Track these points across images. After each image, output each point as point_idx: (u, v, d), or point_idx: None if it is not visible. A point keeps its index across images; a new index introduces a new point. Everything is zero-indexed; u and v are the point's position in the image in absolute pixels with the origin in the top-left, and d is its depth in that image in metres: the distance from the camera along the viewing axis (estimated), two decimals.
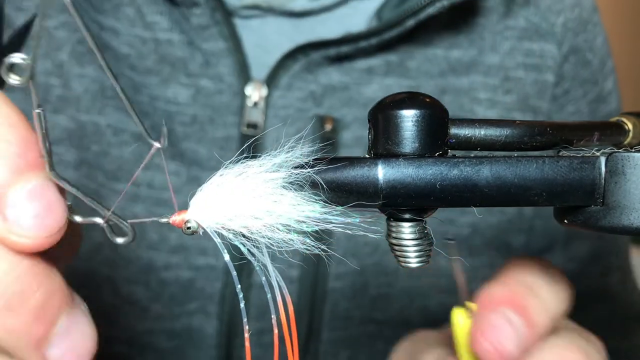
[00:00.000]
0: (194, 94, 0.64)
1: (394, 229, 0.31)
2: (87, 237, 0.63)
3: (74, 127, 0.64)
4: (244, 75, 0.64)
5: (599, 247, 0.76)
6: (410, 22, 0.61)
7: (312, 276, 0.64)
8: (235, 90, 0.64)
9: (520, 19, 0.70)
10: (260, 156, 0.30)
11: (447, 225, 0.68)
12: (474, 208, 0.30)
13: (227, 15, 0.63)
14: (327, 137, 0.64)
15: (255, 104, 0.63)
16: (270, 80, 0.64)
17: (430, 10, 0.60)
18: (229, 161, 0.30)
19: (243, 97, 0.63)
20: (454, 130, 0.31)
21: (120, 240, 0.30)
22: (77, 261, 0.62)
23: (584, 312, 0.70)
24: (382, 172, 0.29)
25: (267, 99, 0.64)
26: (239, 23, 0.66)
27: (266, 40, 0.66)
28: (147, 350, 0.66)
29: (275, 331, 0.30)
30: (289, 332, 0.30)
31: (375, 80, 0.66)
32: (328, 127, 0.64)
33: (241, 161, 0.30)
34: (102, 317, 0.65)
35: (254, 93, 0.63)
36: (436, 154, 0.30)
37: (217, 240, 0.30)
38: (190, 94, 0.64)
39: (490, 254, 0.70)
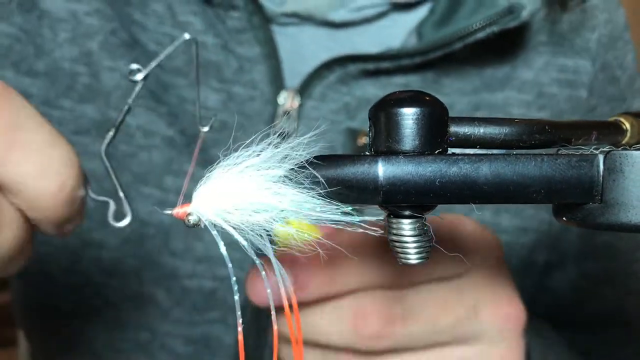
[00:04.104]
0: (224, 100, 0.63)
1: (394, 226, 0.31)
2: (115, 231, 0.63)
3: (102, 119, 0.63)
4: (278, 83, 0.62)
5: (614, 268, 0.75)
6: (458, 45, 0.61)
7: None
8: (267, 98, 0.62)
9: (554, 35, 0.69)
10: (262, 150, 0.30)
11: None
12: (474, 206, 0.30)
13: (265, 20, 0.62)
14: (359, 152, 0.63)
15: (287, 113, 0.62)
16: (304, 90, 0.63)
17: (480, 35, 0.60)
18: (229, 157, 0.30)
19: (275, 105, 0.62)
20: (453, 129, 0.31)
21: (118, 223, 0.33)
22: (105, 251, 0.65)
23: (597, 336, 0.71)
24: (382, 169, 0.29)
25: (300, 108, 0.62)
26: (275, 29, 0.64)
27: (302, 48, 0.65)
28: (162, 351, 0.66)
29: (275, 327, 0.30)
30: (294, 330, 0.30)
31: None
32: (361, 142, 0.63)
33: (242, 156, 0.30)
34: (130, 303, 0.65)
35: (287, 102, 0.62)
36: (436, 152, 0.30)
37: (214, 232, 0.30)
38: (221, 99, 0.63)
39: (520, 274, 0.69)
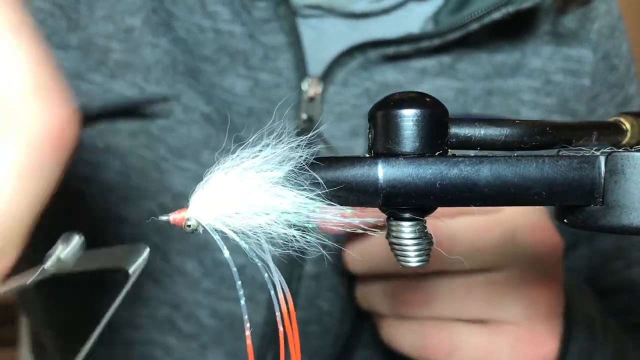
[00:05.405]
0: (251, 87, 0.64)
1: (393, 229, 0.31)
2: (138, 206, 0.66)
3: (133, 94, 0.65)
4: (301, 70, 0.64)
5: (622, 240, 0.78)
6: (474, 26, 0.62)
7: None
8: (292, 85, 0.64)
9: (559, 25, 0.71)
10: (262, 149, 0.30)
11: None
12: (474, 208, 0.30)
13: (290, 11, 0.64)
14: None
15: (312, 99, 0.64)
16: (327, 76, 0.64)
17: (495, 15, 0.61)
18: (228, 158, 0.30)
19: (299, 91, 0.64)
20: (454, 130, 0.31)
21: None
22: (127, 226, 0.66)
23: (610, 302, 0.73)
24: (382, 172, 0.29)
25: (323, 94, 0.64)
26: (298, 21, 0.66)
27: (323, 38, 0.67)
28: (190, 319, 0.67)
29: (281, 329, 0.30)
30: (290, 329, 0.30)
31: (427, 81, 0.67)
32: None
33: (241, 158, 0.30)
34: (150, 279, 0.67)
35: (311, 88, 0.64)
36: (436, 154, 0.30)
37: (217, 237, 0.30)
38: (248, 86, 0.64)
39: None
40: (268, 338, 0.66)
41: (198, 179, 0.60)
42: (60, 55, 0.65)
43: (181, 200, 0.68)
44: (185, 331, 0.68)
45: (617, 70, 0.76)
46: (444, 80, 0.67)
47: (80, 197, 0.67)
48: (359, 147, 0.65)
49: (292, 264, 0.65)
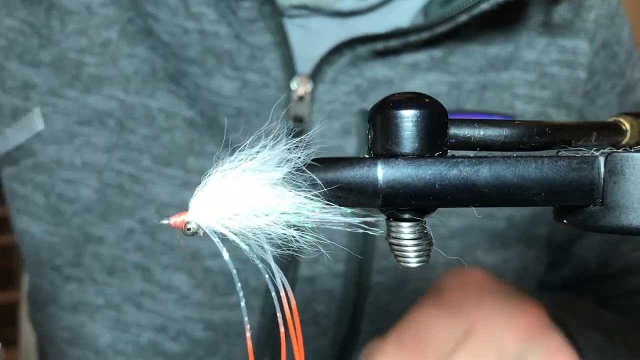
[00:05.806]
0: (239, 87, 0.64)
1: (393, 229, 0.31)
2: (115, 223, 0.65)
3: (109, 108, 0.64)
4: (290, 69, 0.64)
5: None
6: (463, 18, 0.61)
7: (357, 271, 0.65)
8: (281, 85, 0.64)
9: (553, 15, 0.70)
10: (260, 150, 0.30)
11: (487, 219, 0.69)
12: (473, 209, 0.30)
13: (276, 10, 0.63)
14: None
15: (301, 98, 0.63)
16: (316, 75, 0.64)
17: (484, 6, 0.60)
18: (227, 160, 0.30)
19: (288, 91, 0.64)
20: (453, 131, 0.31)
21: None
22: (105, 247, 0.65)
23: (619, 284, 0.77)
24: (381, 172, 0.29)
25: (313, 93, 0.64)
26: (285, 20, 0.66)
27: (312, 36, 0.67)
28: (180, 338, 0.66)
29: (282, 329, 0.30)
30: (294, 330, 0.30)
31: (419, 76, 0.66)
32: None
33: (239, 160, 0.30)
34: (130, 304, 0.66)
35: (300, 87, 0.63)
36: (435, 154, 0.30)
37: (216, 240, 0.30)
38: (236, 87, 0.64)
39: (520, 247, 0.72)
40: (262, 342, 0.66)
41: (186, 185, 0.60)
42: (33, 72, 0.65)
43: (168, 210, 0.67)
44: (172, 352, 0.67)
45: (618, 58, 0.74)
46: (436, 75, 0.66)
47: (59, 217, 0.66)
48: (351, 145, 0.65)
49: (286, 267, 0.65)
